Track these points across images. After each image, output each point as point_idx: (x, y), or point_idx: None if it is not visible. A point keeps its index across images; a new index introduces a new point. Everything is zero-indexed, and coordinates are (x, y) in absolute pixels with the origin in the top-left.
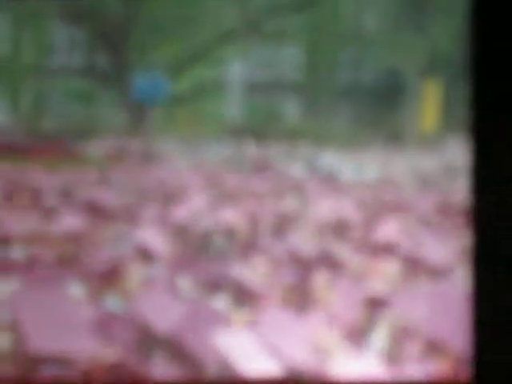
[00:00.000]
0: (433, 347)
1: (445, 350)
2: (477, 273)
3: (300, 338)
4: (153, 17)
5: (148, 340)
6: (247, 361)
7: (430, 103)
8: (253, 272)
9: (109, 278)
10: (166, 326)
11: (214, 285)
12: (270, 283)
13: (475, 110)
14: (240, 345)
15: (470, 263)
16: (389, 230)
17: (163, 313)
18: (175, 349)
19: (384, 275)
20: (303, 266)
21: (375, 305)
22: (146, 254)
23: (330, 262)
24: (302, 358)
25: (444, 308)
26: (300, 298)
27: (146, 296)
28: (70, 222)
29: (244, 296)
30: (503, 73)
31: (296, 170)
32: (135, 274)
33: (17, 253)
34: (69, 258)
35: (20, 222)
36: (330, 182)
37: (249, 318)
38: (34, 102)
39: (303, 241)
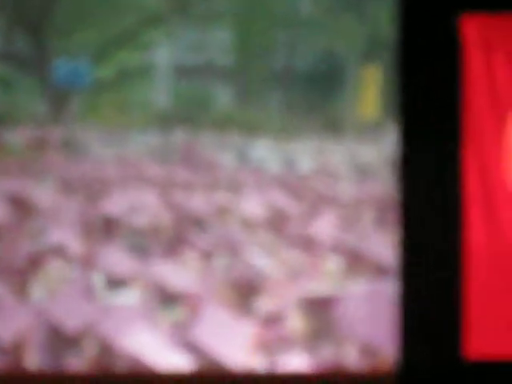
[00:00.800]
0: (366, 350)
1: (377, 352)
2: (404, 269)
3: (232, 338)
4: None
5: (58, 339)
6: (161, 357)
7: (369, 90)
8: (182, 269)
9: (26, 274)
10: (76, 325)
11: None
12: (201, 280)
13: (404, 98)
14: (154, 342)
15: (399, 259)
16: (326, 224)
17: (74, 311)
18: (86, 347)
19: (324, 273)
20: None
21: (315, 305)
22: (63, 251)
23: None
24: (227, 354)
25: (380, 308)
26: (236, 297)
27: (58, 294)
28: None
29: (171, 295)
30: (430, 60)
31: (226, 160)
32: (52, 271)
33: None
34: None
35: None
36: (263, 172)
37: (176, 317)
38: None
39: (235, 235)
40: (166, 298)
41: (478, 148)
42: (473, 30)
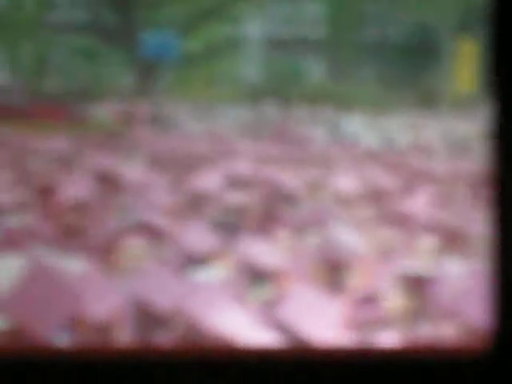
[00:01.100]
0: (463, 328)
1: (474, 330)
2: (500, 246)
3: (322, 317)
4: None
5: (147, 317)
6: (249, 335)
7: (465, 62)
8: (272, 246)
9: (113, 251)
10: (165, 303)
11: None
12: (291, 258)
13: (500, 71)
14: (242, 320)
15: (495, 236)
16: (421, 200)
17: (163, 289)
18: (174, 325)
19: (418, 251)
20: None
21: (411, 283)
22: (150, 228)
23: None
24: (316, 333)
25: (476, 286)
26: (327, 275)
27: (145, 271)
28: (74, 190)
29: (260, 273)
30: None
31: (319, 135)
32: (139, 248)
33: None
34: (71, 230)
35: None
36: (356, 147)
37: (265, 295)
38: (35, 59)
39: (327, 211)
40: (255, 275)
41: None
42: None
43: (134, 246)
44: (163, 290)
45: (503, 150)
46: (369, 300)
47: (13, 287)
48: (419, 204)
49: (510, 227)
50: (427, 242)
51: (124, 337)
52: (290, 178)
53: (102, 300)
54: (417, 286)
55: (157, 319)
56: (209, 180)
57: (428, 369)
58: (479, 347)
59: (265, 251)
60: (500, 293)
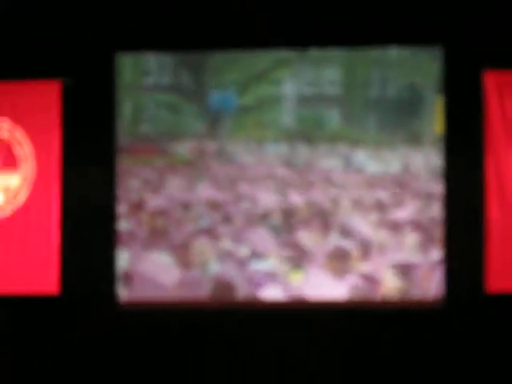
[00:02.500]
0: None
1: None
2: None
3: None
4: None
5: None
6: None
7: (441, 112)
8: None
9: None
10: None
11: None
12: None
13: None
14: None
15: None
16: (409, 210)
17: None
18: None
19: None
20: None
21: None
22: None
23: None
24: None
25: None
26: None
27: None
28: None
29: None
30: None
31: (335, 164)
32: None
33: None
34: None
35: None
36: (363, 173)
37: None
38: (134, 112)
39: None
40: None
41: (495, 157)
42: (492, 81)
43: (202, 245)
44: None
45: (449, 177)
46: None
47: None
48: (407, 212)
49: (453, 225)
50: (411, 238)
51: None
52: (317, 195)
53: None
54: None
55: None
56: (262, 196)
57: (400, 316)
58: (434, 302)
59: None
60: (448, 267)
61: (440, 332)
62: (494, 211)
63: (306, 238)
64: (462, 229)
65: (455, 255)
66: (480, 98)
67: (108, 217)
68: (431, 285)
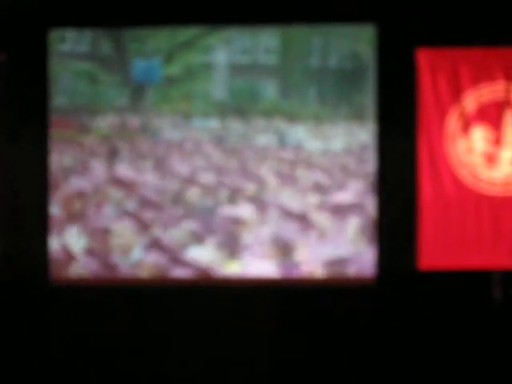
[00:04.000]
0: None
1: None
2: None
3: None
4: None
5: None
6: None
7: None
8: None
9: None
10: None
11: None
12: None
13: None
14: None
15: None
16: (351, 193)
17: None
18: None
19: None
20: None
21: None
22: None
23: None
24: None
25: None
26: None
27: None
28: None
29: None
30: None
31: (271, 141)
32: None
33: None
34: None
35: None
36: (301, 151)
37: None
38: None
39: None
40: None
41: (428, 136)
42: (425, 59)
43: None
44: None
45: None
46: None
47: None
48: (348, 195)
49: (385, 202)
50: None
51: None
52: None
53: None
54: None
55: None
56: (183, 169)
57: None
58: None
59: None
60: (380, 245)
61: (372, 310)
62: (426, 189)
63: (240, 222)
64: (395, 206)
65: (387, 232)
66: (413, 76)
67: (39, 197)
68: (364, 264)
